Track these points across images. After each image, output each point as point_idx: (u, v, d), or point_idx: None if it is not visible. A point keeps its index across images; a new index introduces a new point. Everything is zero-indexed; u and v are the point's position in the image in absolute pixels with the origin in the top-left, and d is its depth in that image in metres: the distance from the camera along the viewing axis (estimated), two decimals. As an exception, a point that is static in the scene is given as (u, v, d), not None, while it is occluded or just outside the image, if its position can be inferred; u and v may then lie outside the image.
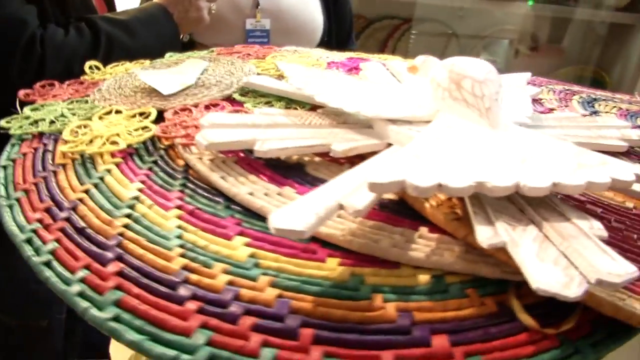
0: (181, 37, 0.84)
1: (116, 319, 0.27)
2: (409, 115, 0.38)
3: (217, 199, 0.35)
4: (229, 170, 0.36)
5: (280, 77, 0.53)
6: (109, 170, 0.38)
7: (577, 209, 0.30)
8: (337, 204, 0.28)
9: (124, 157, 0.39)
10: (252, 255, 0.30)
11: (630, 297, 0.29)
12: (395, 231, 0.32)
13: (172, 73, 0.51)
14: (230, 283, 0.28)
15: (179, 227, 0.32)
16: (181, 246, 0.31)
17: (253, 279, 0.29)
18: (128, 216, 0.33)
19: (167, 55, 0.62)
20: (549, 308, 0.28)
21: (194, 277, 0.29)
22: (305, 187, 0.35)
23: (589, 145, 0.41)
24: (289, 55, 0.62)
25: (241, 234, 0.32)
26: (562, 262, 0.26)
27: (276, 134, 0.37)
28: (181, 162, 0.39)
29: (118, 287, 0.28)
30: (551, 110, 0.53)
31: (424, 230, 0.32)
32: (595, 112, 0.54)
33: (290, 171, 0.37)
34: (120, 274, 0.29)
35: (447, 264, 0.30)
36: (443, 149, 0.31)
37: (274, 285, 0.28)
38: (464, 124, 0.35)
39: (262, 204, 0.33)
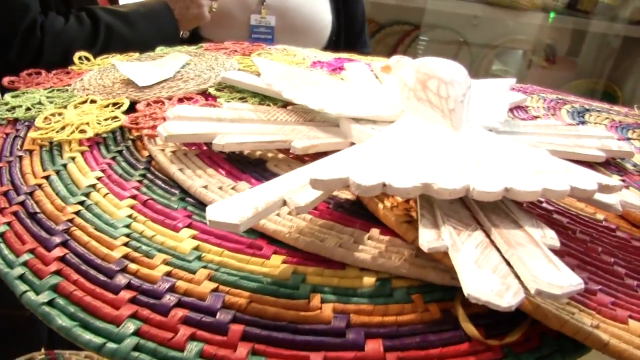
0: (181, 33, 0.85)
1: (50, 303, 0.27)
2: (373, 115, 0.37)
3: (173, 190, 0.35)
4: (189, 163, 0.36)
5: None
6: (72, 158, 0.38)
7: (532, 217, 0.29)
8: (281, 199, 0.28)
9: (91, 145, 0.39)
10: (196, 248, 0.30)
11: (582, 312, 0.28)
12: (345, 231, 0.31)
13: (152, 66, 0.51)
14: (169, 274, 0.28)
15: (130, 216, 0.32)
16: (127, 235, 0.31)
17: (192, 272, 0.28)
18: (81, 203, 0.33)
19: (158, 49, 0.62)
20: (498, 318, 0.27)
21: (133, 266, 0.28)
22: (262, 182, 0.35)
23: (564, 153, 0.40)
24: (276, 53, 0.61)
25: (189, 226, 0.32)
26: (502, 270, 0.25)
27: (238, 128, 0.37)
28: (146, 154, 0.39)
29: (58, 273, 0.28)
30: (535, 117, 0.51)
31: (375, 232, 0.31)
32: (583, 122, 0.53)
33: (250, 167, 0.37)
34: (62, 259, 0.29)
35: (393, 267, 0.29)
36: (395, 148, 0.30)
37: (212, 278, 0.28)
38: (425, 125, 0.34)
39: (213, 197, 0.32)
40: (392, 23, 1.62)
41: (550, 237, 0.28)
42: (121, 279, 0.28)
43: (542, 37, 1.84)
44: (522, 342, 0.27)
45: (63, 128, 0.41)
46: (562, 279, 0.24)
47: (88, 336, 0.25)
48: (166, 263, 0.29)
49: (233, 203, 0.27)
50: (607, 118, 0.57)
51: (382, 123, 0.37)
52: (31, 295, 0.27)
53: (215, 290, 0.27)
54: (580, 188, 0.29)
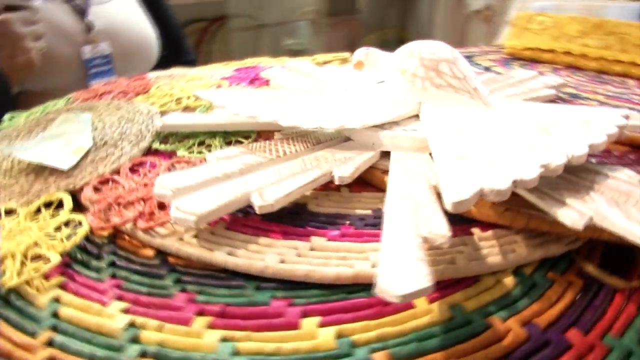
0: (12, 89, 0.66)
1: None
2: (394, 117, 0.34)
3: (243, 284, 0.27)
4: (229, 241, 0.29)
5: (188, 108, 0.45)
6: (60, 301, 0.26)
7: (603, 164, 0.31)
8: (421, 237, 0.24)
9: (63, 273, 0.28)
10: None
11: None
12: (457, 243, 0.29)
13: (54, 139, 0.38)
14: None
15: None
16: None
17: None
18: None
19: (7, 117, 0.46)
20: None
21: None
22: (328, 229, 0.30)
23: (530, 100, 0.43)
24: (173, 81, 0.52)
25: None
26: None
27: (263, 179, 0.30)
28: (149, 252, 0.29)
29: None
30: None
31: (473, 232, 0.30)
32: (487, 68, 0.58)
33: (296, 217, 0.31)
34: None
35: (521, 257, 0.28)
36: (478, 144, 0.29)
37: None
38: (465, 111, 0.33)
39: (306, 268, 0.26)
40: (187, 23, 1.52)
41: (632, 175, 0.30)
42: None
43: (321, 5, 1.96)
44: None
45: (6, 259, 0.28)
46: None
47: None
48: None
49: (402, 269, 0.22)
50: (488, 59, 0.63)
51: (404, 122, 0.34)
52: None
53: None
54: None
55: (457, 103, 0.34)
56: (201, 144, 0.38)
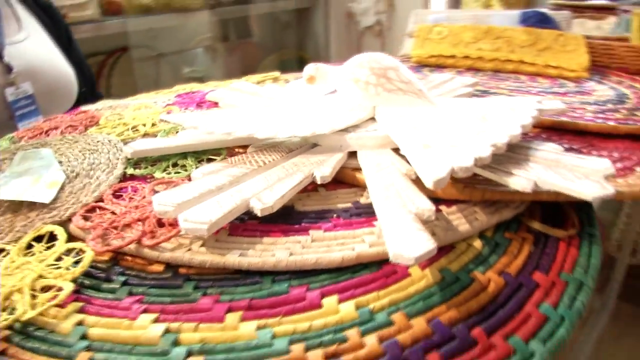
0: None
1: None
2: (356, 120, 0.39)
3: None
4: (235, 245, 0.31)
5: (147, 135, 0.46)
6: (83, 324, 0.27)
7: (531, 141, 0.38)
8: (411, 213, 0.29)
9: (77, 299, 0.28)
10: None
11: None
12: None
13: (21, 176, 0.37)
14: None
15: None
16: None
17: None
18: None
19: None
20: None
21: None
22: (320, 223, 0.33)
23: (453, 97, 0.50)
24: (117, 112, 0.52)
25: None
26: (578, 174, 0.33)
27: (254, 186, 0.33)
28: (158, 267, 0.31)
29: None
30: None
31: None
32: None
33: (288, 217, 0.34)
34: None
35: (484, 223, 0.33)
36: (437, 134, 0.34)
37: None
38: (415, 109, 0.38)
39: (314, 256, 0.30)
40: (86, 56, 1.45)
41: (555, 146, 0.37)
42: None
43: (216, 31, 1.97)
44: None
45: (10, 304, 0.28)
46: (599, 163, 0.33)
47: None
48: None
49: (412, 235, 0.26)
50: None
51: (363, 125, 0.39)
52: None
53: None
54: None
55: (407, 103, 0.39)
56: (174, 165, 0.40)
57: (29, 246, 0.32)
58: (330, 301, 0.28)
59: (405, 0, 1.66)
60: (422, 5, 1.61)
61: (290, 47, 1.93)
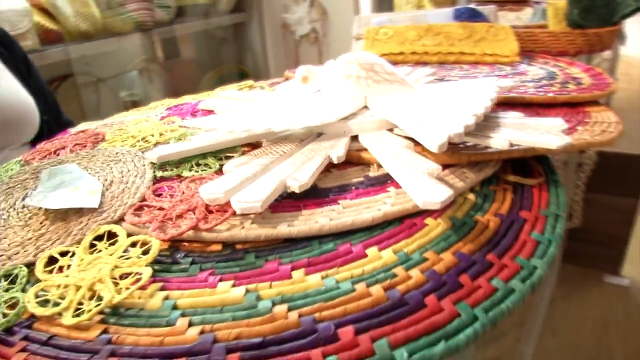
0: None
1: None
2: (353, 109, 0.45)
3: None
4: (280, 219, 0.36)
5: (159, 143, 0.50)
6: (168, 298, 0.31)
7: (498, 111, 0.46)
8: (423, 173, 0.35)
9: (154, 281, 0.33)
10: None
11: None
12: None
13: (60, 188, 0.40)
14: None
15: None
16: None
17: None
18: None
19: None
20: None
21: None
22: (345, 194, 0.39)
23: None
24: (116, 128, 0.55)
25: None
26: (541, 131, 0.41)
27: (285, 170, 0.39)
28: (217, 247, 0.35)
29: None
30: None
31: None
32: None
33: (316, 194, 0.40)
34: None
35: (465, 185, 0.41)
36: (428, 111, 0.41)
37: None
38: (402, 95, 0.45)
39: (349, 218, 0.36)
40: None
41: (518, 115, 0.45)
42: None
43: (150, 53, 1.98)
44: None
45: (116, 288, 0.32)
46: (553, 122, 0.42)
47: None
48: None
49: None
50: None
51: (359, 112, 0.46)
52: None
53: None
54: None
55: (393, 91, 0.46)
56: (197, 164, 0.44)
57: (91, 245, 0.35)
58: (372, 251, 0.34)
59: (336, 8, 1.76)
60: (353, 11, 1.72)
61: (229, 62, 1.97)
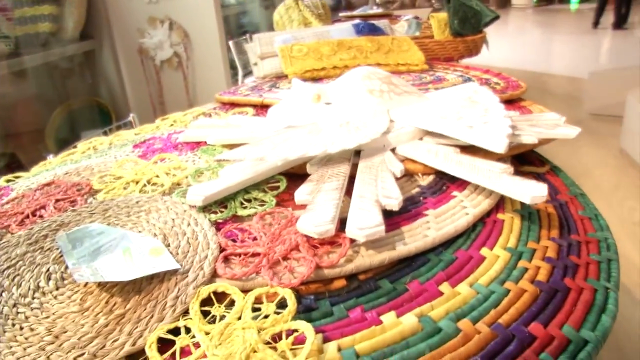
0: None
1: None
2: (386, 125, 0.46)
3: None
4: (389, 240, 0.35)
5: (177, 184, 0.43)
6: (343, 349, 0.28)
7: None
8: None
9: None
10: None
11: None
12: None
13: (102, 254, 0.32)
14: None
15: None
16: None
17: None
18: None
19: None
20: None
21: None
22: (418, 207, 0.40)
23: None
24: (95, 172, 0.45)
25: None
26: (552, 125, 0.47)
27: (366, 190, 0.38)
28: (341, 282, 0.33)
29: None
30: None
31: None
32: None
33: (394, 212, 0.39)
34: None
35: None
36: (465, 116, 0.44)
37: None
38: (421, 105, 0.47)
39: (451, 226, 0.36)
40: None
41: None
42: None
43: None
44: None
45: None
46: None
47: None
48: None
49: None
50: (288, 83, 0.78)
51: (390, 126, 0.46)
52: None
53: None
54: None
55: (412, 102, 0.48)
56: (247, 200, 0.40)
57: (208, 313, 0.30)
58: (486, 252, 0.35)
59: (199, 30, 1.69)
60: (218, 33, 1.67)
61: (80, 94, 1.74)
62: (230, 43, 1.78)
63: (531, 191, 0.35)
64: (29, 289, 0.32)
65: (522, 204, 0.41)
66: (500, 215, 0.39)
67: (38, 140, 1.63)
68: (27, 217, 0.40)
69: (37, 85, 1.63)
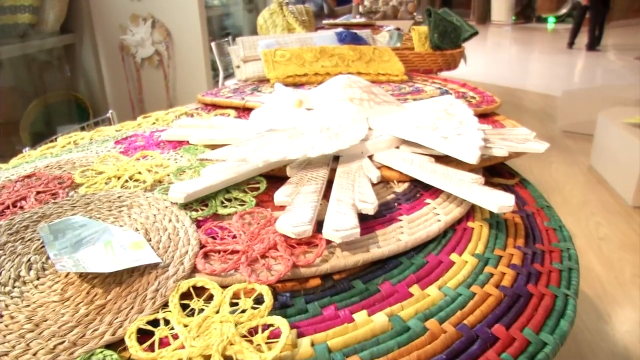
0: None
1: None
2: (365, 132, 0.47)
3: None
4: (364, 243, 0.37)
5: (158, 181, 0.44)
6: (316, 344, 0.29)
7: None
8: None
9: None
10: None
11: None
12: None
13: (84, 246, 0.32)
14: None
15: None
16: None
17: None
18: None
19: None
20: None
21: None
22: (393, 212, 0.41)
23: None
24: (78, 166, 0.46)
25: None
26: (521, 140, 0.49)
27: (343, 195, 0.39)
28: (316, 281, 0.34)
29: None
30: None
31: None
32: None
33: (369, 216, 0.41)
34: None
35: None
36: (439, 127, 0.46)
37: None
38: (399, 114, 0.49)
39: (424, 231, 0.38)
40: None
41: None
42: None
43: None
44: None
45: None
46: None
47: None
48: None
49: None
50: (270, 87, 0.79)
51: (369, 133, 0.48)
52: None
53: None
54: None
55: (391, 112, 0.50)
56: (228, 200, 0.41)
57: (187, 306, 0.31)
58: (455, 257, 0.37)
59: (181, 29, 1.68)
60: (201, 33, 1.67)
61: (58, 88, 1.71)
62: (213, 44, 1.78)
63: (499, 201, 0.37)
64: (9, 278, 0.33)
65: (491, 213, 0.43)
66: (470, 223, 0.41)
67: (12, 133, 1.60)
68: (8, 207, 0.40)
69: (13, 77, 1.61)
